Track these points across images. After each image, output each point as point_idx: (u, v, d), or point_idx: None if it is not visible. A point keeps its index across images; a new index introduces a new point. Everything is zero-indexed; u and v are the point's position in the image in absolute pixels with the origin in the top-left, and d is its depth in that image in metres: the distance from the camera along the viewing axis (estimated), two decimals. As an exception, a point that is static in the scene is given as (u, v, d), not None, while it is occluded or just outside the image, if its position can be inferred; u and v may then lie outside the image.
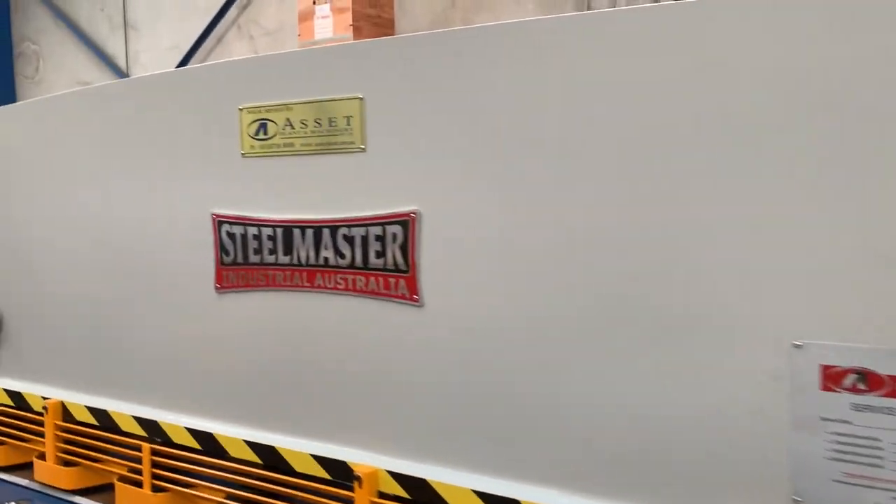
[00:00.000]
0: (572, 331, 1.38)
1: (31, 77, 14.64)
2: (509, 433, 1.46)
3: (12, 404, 2.31)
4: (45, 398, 2.20)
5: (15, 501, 2.12)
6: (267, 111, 1.72)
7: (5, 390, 2.33)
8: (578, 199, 1.36)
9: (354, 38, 9.07)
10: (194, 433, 1.89)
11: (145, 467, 1.95)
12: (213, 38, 12.80)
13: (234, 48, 12.90)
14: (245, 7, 10.38)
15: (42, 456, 2.20)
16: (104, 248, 2.07)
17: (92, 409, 2.10)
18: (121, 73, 13.58)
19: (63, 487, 2.14)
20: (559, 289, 1.39)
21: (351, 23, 8.88)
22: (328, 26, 9.16)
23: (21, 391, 2.29)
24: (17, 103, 2.31)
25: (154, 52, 13.59)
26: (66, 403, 2.17)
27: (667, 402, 1.29)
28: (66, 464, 2.15)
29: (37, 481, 2.21)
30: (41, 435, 2.22)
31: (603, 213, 1.33)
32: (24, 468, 2.33)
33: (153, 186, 1.96)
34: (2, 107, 2.32)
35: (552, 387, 1.40)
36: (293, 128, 1.69)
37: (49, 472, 2.17)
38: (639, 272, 1.31)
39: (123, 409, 2.05)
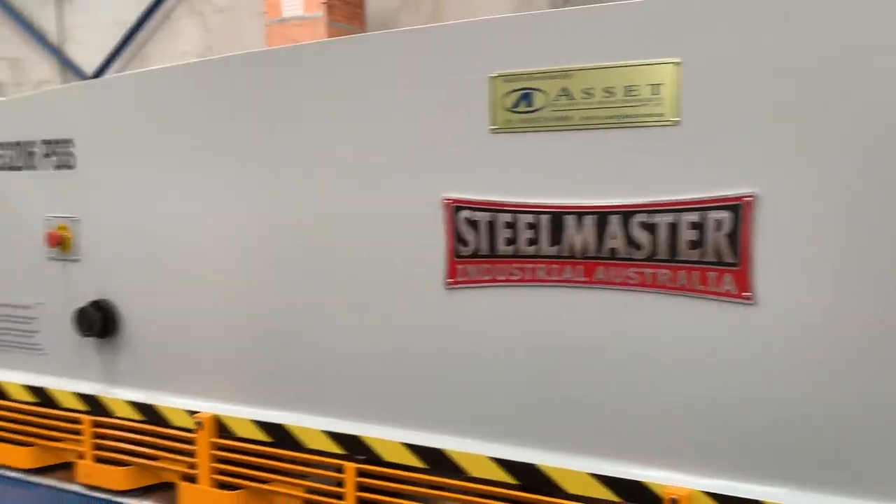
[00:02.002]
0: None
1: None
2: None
3: (142, 418, 1.98)
4: (192, 412, 1.90)
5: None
6: (533, 79, 1.49)
7: (133, 403, 1.99)
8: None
9: (327, 17, 8.72)
10: (416, 450, 1.64)
11: (349, 490, 1.69)
12: (160, 14, 12.13)
13: (182, 25, 12.27)
14: (193, -19, 9.78)
15: (190, 478, 1.89)
16: (285, 241, 1.77)
17: (262, 424, 1.82)
18: (53, 50, 12.73)
19: (223, 514, 1.85)
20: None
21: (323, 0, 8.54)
22: (298, 4, 8.78)
23: (152, 403, 1.97)
24: (158, 68, 1.96)
25: (92, 27, 12.78)
26: (221, 418, 1.87)
27: None
28: (223, 486, 1.86)
29: (182, 508, 1.91)
30: (182, 453, 1.92)
31: None
32: (150, 491, 2.02)
33: (356, 170, 1.68)
34: (136, 71, 1.98)
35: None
36: (572, 98, 1.46)
37: (203, 496, 1.87)
38: None
39: (305, 423, 1.77)
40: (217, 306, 1.88)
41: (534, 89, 1.49)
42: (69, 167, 2.08)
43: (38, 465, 2.17)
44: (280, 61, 1.80)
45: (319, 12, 8.09)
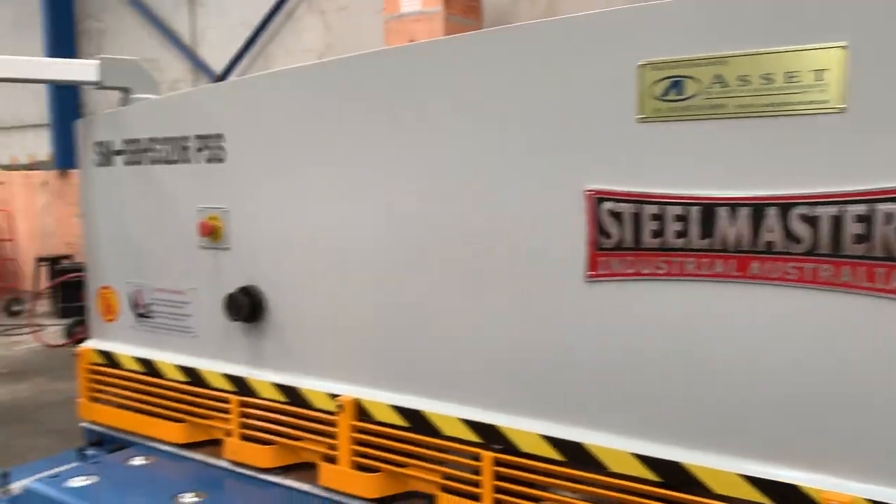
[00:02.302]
0: None
1: (94, 56, 14.57)
2: None
3: (285, 399, 2.08)
4: (333, 395, 1.97)
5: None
6: (684, 66, 1.44)
7: (277, 385, 2.10)
8: None
9: (445, 11, 8.78)
10: (555, 442, 1.64)
11: (486, 478, 1.71)
12: (283, 14, 12.61)
13: (304, 23, 12.69)
14: (314, -19, 10.09)
15: (331, 459, 1.97)
16: (426, 232, 1.81)
17: (400, 409, 1.87)
18: (186, 51, 13.46)
19: (361, 495, 1.91)
20: None
21: (442, -8, 8.59)
22: None
23: (296, 386, 2.06)
24: (302, 65, 2.04)
25: (221, 28, 13.44)
26: (361, 402, 1.93)
27: None
28: (362, 468, 1.92)
29: (322, 486, 1.99)
30: (323, 435, 2.00)
31: None
32: (291, 469, 2.11)
33: (497, 162, 1.69)
34: (288, 68, 2.07)
35: None
36: (726, 85, 1.41)
37: (342, 477, 1.94)
38: None
39: (442, 410, 1.81)
40: (358, 295, 1.94)
41: (685, 77, 1.45)
42: (220, 160, 2.20)
43: (189, 441, 2.31)
44: (420, 56, 1.83)
45: (437, 7, 8.21)
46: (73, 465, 2.37)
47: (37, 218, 13.30)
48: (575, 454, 1.61)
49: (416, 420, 1.84)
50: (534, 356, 1.67)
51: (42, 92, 14.40)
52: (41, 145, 15.03)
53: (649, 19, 1.50)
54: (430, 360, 1.83)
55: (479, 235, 1.73)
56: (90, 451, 2.50)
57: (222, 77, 12.14)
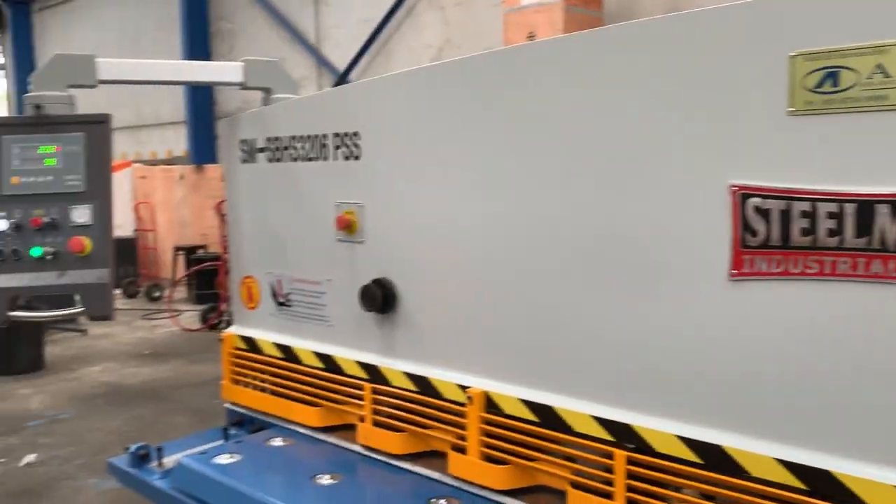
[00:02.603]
0: None
1: (226, 55, 15.38)
2: None
3: (416, 389, 2.14)
4: (463, 387, 2.01)
5: (445, 499, 1.95)
6: (841, 56, 1.37)
7: (408, 374, 2.16)
8: None
9: (565, 2, 8.64)
10: (692, 444, 1.60)
11: (619, 477, 1.70)
12: (403, 10, 12.81)
13: (424, 19, 12.86)
14: (433, -23, 10.19)
15: (460, 449, 2.02)
16: (559, 227, 1.82)
17: (529, 404, 1.88)
18: (311, 49, 13.93)
19: (490, 486, 1.95)
20: None
21: (563, -16, 8.46)
22: (535, -10, 8.77)
23: (426, 376, 2.12)
24: (433, 64, 2.09)
25: (345, 26, 13.83)
26: (491, 394, 1.96)
27: None
28: (491, 459, 1.95)
29: (452, 475, 2.03)
30: (452, 425, 2.04)
31: None
32: (420, 457, 2.17)
33: (635, 156, 1.67)
34: (406, 71, 2.13)
35: None
36: (889, 76, 1.33)
37: (472, 467, 1.98)
38: None
39: (573, 406, 1.81)
40: (489, 289, 1.97)
41: (842, 67, 1.37)
42: (356, 158, 2.28)
43: (324, 424, 2.43)
44: (554, 51, 1.83)
45: (558, -2, 8.13)
46: (218, 443, 2.54)
47: (174, 210, 14.23)
48: (712, 456, 1.58)
49: (547, 415, 1.85)
50: (671, 356, 1.65)
51: (178, 92, 15.37)
52: (178, 141, 16.05)
53: (802, 7, 1.43)
54: (563, 356, 1.84)
55: (618, 230, 1.71)
56: (232, 431, 2.67)
57: (345, 74, 12.53)
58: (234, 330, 2.78)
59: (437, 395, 2.09)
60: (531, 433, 1.89)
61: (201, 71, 2.68)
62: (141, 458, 2.45)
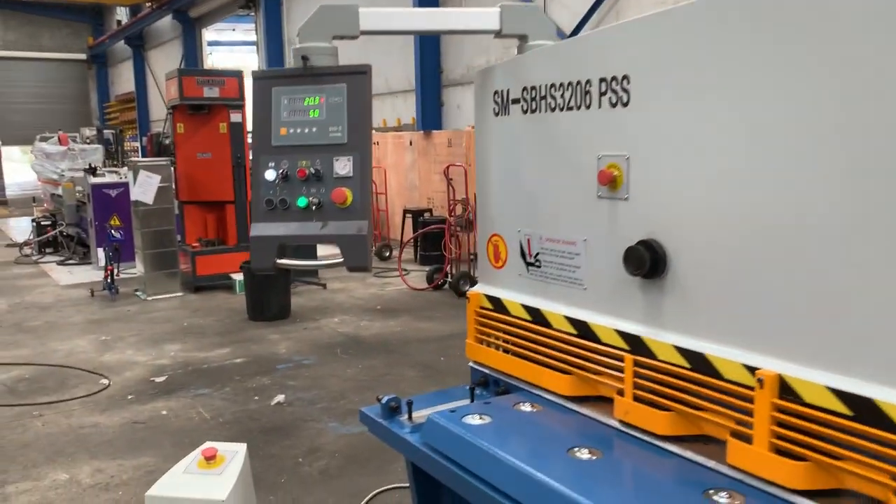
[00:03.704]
0: None
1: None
2: None
3: (688, 365, 1.90)
4: (751, 368, 1.74)
5: (727, 492, 1.70)
6: None
7: (679, 348, 1.93)
8: None
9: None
10: None
11: (971, 495, 1.36)
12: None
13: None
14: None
15: (743, 437, 1.75)
16: (865, 186, 1.47)
17: (839, 394, 1.57)
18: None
19: (781, 483, 1.67)
20: None
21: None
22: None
23: (704, 352, 1.87)
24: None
25: (574, -15, 13.31)
26: (787, 379, 1.67)
27: None
28: (783, 453, 1.67)
29: (732, 466, 1.78)
30: (733, 409, 1.78)
31: None
32: (685, 440, 1.93)
33: None
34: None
35: None
36: None
37: (759, 459, 1.71)
38: None
39: (892, 399, 1.47)
40: (784, 255, 1.67)
41: None
42: (624, 104, 2.06)
43: (574, 394, 2.27)
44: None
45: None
46: (465, 402, 2.48)
47: (404, 174, 14.86)
48: None
49: (863, 409, 1.53)
50: None
51: (407, 62, 15.92)
52: (408, 109, 16.70)
53: None
54: (883, 337, 1.50)
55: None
56: (478, 391, 2.60)
57: (572, 36, 12.18)
58: (479, 289, 2.70)
59: (716, 375, 1.83)
60: (840, 427, 1.58)
61: (457, 18, 2.59)
62: (391, 410, 2.46)
